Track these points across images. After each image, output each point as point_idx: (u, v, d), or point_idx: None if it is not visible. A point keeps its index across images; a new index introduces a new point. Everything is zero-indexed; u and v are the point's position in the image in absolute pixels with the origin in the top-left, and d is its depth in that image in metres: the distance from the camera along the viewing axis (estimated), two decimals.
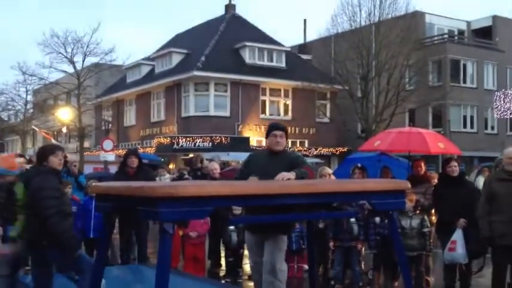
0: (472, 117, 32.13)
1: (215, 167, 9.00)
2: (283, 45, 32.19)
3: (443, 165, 7.16)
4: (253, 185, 3.87)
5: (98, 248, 5.11)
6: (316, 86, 28.96)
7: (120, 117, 34.22)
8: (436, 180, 8.11)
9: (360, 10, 27.38)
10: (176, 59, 30.88)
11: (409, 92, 27.27)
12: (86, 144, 33.66)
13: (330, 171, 8.10)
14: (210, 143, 26.77)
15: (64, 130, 35.15)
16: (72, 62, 29.80)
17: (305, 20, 43.06)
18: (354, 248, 7.26)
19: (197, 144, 26.84)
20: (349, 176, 8.14)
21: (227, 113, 28.58)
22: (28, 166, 7.05)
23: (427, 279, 7.36)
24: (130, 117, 33.98)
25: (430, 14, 33.14)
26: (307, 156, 24.11)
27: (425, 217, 7.13)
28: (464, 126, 31.66)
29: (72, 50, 29.52)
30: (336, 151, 29.87)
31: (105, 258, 4.23)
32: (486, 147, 28.99)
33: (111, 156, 20.14)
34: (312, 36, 37.12)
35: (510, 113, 28.96)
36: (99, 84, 32.87)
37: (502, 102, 28.85)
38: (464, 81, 31.88)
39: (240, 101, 28.72)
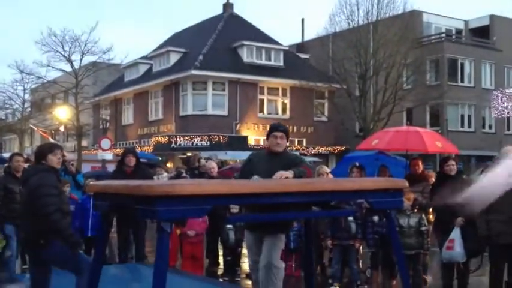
0: (469, 116, 32.18)
1: (213, 166, 8.99)
2: (281, 44, 32.20)
3: (441, 164, 7.17)
4: (251, 184, 3.88)
5: (95, 246, 5.10)
6: (314, 85, 28.97)
7: (118, 116, 34.20)
8: (433, 179, 8.12)
9: (358, 9, 27.43)
10: (174, 58, 30.86)
11: (406, 91, 27.30)
12: (84, 143, 33.62)
13: (328, 170, 8.11)
14: (208, 142, 26.77)
15: (62, 129, 35.12)
16: (69, 61, 29.77)
17: (303, 19, 42.95)
18: (351, 247, 7.27)
19: (195, 143, 26.84)
20: (347, 175, 8.14)
21: (225, 112, 28.58)
22: (26, 165, 7.04)
23: (425, 277, 7.38)
24: (128, 116, 33.96)
25: (427, 13, 33.18)
26: (305, 155, 24.13)
27: (423, 216, 7.14)
28: (462, 125, 31.72)
29: (70, 48, 29.50)
30: (334, 150, 29.90)
31: (103, 257, 4.23)
32: (484, 146, 29.03)
33: (108, 155, 20.13)
34: (309, 35, 37.12)
35: (508, 112, 29.02)
36: (97, 83, 32.82)
37: (500, 101, 28.91)
38: (462, 80, 31.93)
39: (238, 100, 28.72)
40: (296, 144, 29.26)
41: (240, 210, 7.41)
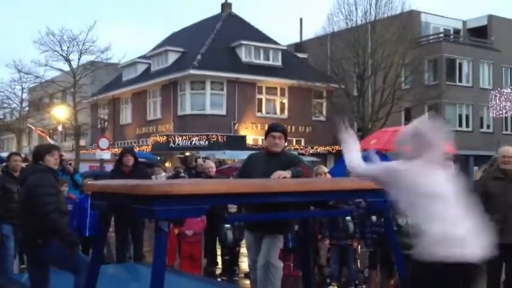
0: (467, 116, 32.21)
1: (211, 165, 8.99)
2: (279, 44, 32.19)
3: None
4: (249, 184, 3.88)
5: (93, 246, 5.11)
6: (313, 85, 28.97)
7: (116, 116, 34.17)
8: None
9: (356, 9, 27.45)
10: (172, 57, 30.83)
11: (405, 91, 27.32)
12: (82, 142, 33.58)
13: (326, 169, 8.12)
14: (206, 142, 26.75)
15: (60, 128, 35.04)
16: (68, 60, 29.71)
17: (301, 19, 42.92)
18: (349, 246, 7.27)
19: (193, 142, 26.82)
20: (345, 175, 8.15)
21: (223, 112, 28.57)
22: (24, 164, 7.03)
23: None
24: (126, 116, 33.93)
25: (425, 13, 33.19)
26: (303, 154, 24.12)
27: None
28: (460, 125, 31.74)
29: (68, 48, 29.44)
30: (332, 150, 29.88)
31: (100, 256, 4.24)
32: (482, 146, 29.07)
33: (107, 155, 20.11)
34: (308, 35, 37.19)
35: (506, 112, 29.07)
36: (95, 83, 32.77)
37: (498, 101, 28.95)
38: (460, 80, 31.96)
39: (236, 99, 28.71)
40: (294, 143, 29.26)
41: (239, 209, 7.42)
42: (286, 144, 5.57)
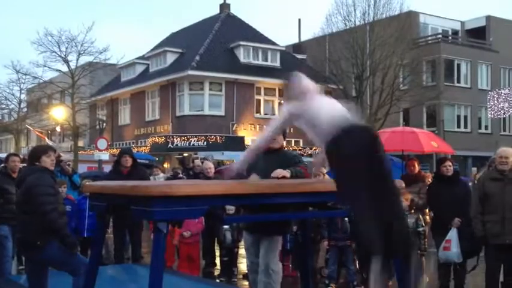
0: (466, 117, 32.25)
1: (209, 166, 8.98)
2: (277, 45, 32.19)
3: (437, 165, 7.20)
4: (247, 185, 3.87)
5: (92, 247, 5.10)
6: None
7: (115, 116, 34.14)
8: (429, 180, 8.14)
9: (355, 10, 27.42)
10: (171, 58, 30.83)
11: (403, 92, 27.32)
12: (80, 143, 33.53)
13: (324, 170, 8.10)
14: (205, 142, 26.74)
15: (58, 129, 34.98)
16: (66, 61, 29.62)
17: (300, 20, 43.02)
18: (348, 247, 7.27)
19: (192, 143, 26.81)
20: None
21: (222, 112, 28.56)
22: (22, 165, 7.02)
23: None
24: (124, 116, 33.91)
25: (424, 14, 33.21)
26: (302, 155, 24.06)
27: (420, 216, 7.16)
28: (458, 125, 31.77)
29: (66, 48, 29.33)
30: None
31: (99, 257, 4.23)
32: (480, 147, 29.09)
33: (105, 156, 20.08)
34: (306, 35, 37.19)
35: (504, 113, 29.08)
36: (94, 83, 32.71)
37: (496, 102, 28.96)
38: (458, 81, 31.99)
39: (234, 100, 28.70)
40: (293, 144, 29.25)
41: (237, 210, 7.41)
42: (284, 144, 5.56)
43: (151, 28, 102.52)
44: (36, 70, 40.94)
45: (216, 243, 8.49)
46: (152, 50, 34.77)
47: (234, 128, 28.55)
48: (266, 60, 30.61)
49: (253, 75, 29.13)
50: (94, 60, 30.52)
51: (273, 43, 32.12)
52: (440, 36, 33.03)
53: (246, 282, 7.41)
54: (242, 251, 7.44)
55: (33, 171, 4.96)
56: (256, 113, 29.42)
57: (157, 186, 3.24)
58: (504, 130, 33.54)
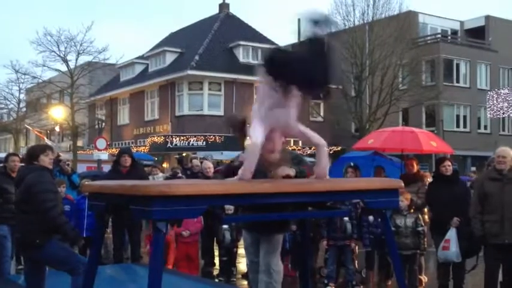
0: (465, 117, 32.26)
1: (209, 166, 8.98)
2: (277, 45, 32.17)
3: (437, 165, 7.20)
4: (246, 185, 3.87)
5: (91, 247, 5.09)
6: None
7: (114, 116, 34.12)
8: (429, 180, 8.15)
9: (354, 10, 27.42)
10: (170, 58, 30.81)
11: (402, 92, 27.32)
12: (79, 143, 33.53)
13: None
14: (204, 142, 26.73)
15: (57, 129, 34.95)
16: (65, 61, 29.64)
17: (299, 19, 43.02)
18: (347, 247, 7.27)
19: (191, 143, 26.80)
20: (342, 175, 8.16)
21: (221, 112, 28.55)
22: (21, 165, 7.01)
23: (420, 278, 7.39)
24: (123, 116, 33.89)
25: (423, 13, 33.20)
26: (301, 155, 24.08)
27: (420, 216, 7.16)
28: (458, 125, 31.78)
29: (66, 48, 29.36)
30: (330, 150, 29.78)
31: (98, 257, 4.22)
32: (479, 147, 29.10)
33: (104, 155, 20.08)
34: None
35: (503, 113, 29.08)
36: (93, 83, 32.72)
37: (495, 101, 28.96)
38: (458, 81, 32.00)
39: (233, 100, 28.69)
40: (292, 144, 29.24)
41: (236, 210, 7.41)
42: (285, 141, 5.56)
43: (150, 28, 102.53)
44: (35, 70, 41.03)
45: (215, 243, 8.49)
46: (151, 49, 34.75)
47: None
48: None
49: (253, 75, 29.04)
50: (93, 60, 30.54)
51: (272, 43, 32.07)
52: (439, 36, 33.03)
53: (245, 282, 7.41)
54: (241, 251, 7.44)
55: (32, 170, 4.95)
56: None
57: (156, 186, 3.24)
58: (503, 130, 33.56)
